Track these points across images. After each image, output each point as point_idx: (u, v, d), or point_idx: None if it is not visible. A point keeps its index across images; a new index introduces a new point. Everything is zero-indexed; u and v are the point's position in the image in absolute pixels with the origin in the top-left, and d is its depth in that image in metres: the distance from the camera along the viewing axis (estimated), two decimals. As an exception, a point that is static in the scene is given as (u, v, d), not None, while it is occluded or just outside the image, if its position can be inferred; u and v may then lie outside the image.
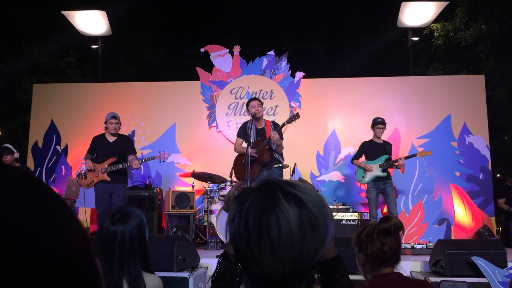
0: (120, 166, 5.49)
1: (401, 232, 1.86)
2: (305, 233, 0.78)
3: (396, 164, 6.03)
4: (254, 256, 0.79)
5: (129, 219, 1.88)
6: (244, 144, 5.41)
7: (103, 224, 1.90)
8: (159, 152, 5.75)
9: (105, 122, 5.69)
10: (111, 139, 5.69)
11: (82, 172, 5.64)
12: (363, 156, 6.24)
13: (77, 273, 0.43)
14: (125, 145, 5.69)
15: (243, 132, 5.53)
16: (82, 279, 0.43)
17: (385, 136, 6.96)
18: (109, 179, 5.48)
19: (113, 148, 5.60)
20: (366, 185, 6.11)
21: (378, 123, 6.18)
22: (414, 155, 6.16)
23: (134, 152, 5.79)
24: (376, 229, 1.84)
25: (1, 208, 0.40)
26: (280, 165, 5.45)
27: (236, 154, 5.69)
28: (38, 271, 0.39)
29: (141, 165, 7.53)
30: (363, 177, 6.06)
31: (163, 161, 5.91)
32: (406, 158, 6.13)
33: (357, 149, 6.33)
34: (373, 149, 6.14)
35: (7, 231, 0.39)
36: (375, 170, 5.98)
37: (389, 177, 6.03)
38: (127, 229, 1.86)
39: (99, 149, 5.69)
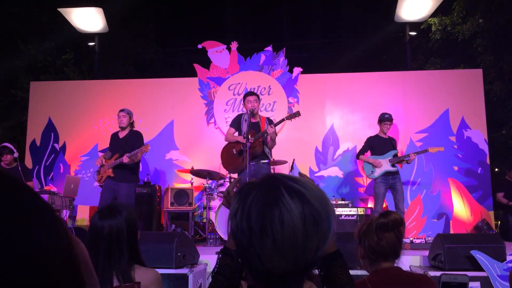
0: (118, 161, 5.40)
1: (402, 227, 1.85)
2: (308, 229, 0.78)
3: (407, 159, 5.97)
4: (256, 251, 0.78)
5: (117, 214, 1.89)
6: (236, 134, 5.44)
7: (92, 219, 1.93)
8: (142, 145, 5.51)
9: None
10: (121, 134, 5.67)
11: (97, 169, 5.69)
12: (369, 151, 6.16)
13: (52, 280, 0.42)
14: (134, 140, 5.55)
15: (236, 123, 5.51)
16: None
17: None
18: (112, 175, 5.42)
19: (121, 144, 5.56)
20: (374, 180, 6.04)
21: (385, 119, 6.09)
22: (425, 151, 6.07)
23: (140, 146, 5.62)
24: (374, 223, 1.84)
25: None
26: (267, 161, 5.42)
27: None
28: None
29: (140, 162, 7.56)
30: (372, 172, 5.97)
31: (144, 154, 5.66)
32: (417, 153, 6.04)
33: (363, 144, 6.24)
34: (379, 144, 6.06)
35: None
36: (385, 165, 5.92)
37: (398, 172, 5.98)
38: (114, 223, 1.86)
39: (111, 145, 5.70)
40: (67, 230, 0.46)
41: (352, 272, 1.15)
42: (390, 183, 5.90)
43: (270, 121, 5.52)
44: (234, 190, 1.10)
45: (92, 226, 1.90)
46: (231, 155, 5.42)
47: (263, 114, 7.49)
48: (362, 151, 6.15)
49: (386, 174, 5.91)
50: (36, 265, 0.41)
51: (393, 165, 5.92)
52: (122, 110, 5.65)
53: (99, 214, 1.91)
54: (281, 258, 0.77)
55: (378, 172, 5.92)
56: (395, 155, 5.99)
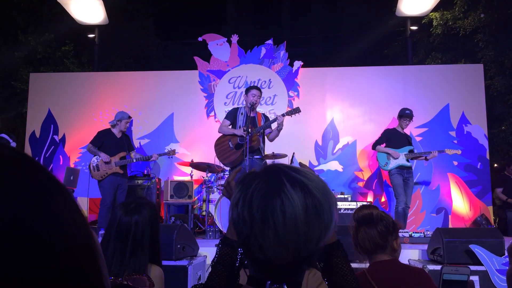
0: (134, 160, 5.97)
1: (385, 222, 1.84)
2: (310, 219, 0.77)
3: (426, 156, 6.00)
4: (257, 241, 0.78)
5: (142, 209, 1.90)
6: (230, 127, 5.44)
7: (116, 214, 1.91)
8: (168, 150, 6.34)
9: (119, 120, 6.01)
10: (118, 135, 6.03)
11: (94, 164, 5.80)
12: (384, 144, 6.17)
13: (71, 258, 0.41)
14: (128, 141, 6.17)
15: (232, 116, 5.51)
16: (78, 264, 0.42)
17: (384, 125, 6.98)
18: (122, 171, 5.87)
19: (122, 144, 5.98)
20: (388, 172, 6.06)
21: (406, 115, 6.09)
22: (442, 151, 6.10)
23: (134, 148, 6.31)
24: (354, 215, 1.88)
25: None
26: (260, 156, 5.42)
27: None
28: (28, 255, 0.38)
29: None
30: (386, 163, 6.02)
31: (171, 157, 6.47)
32: (439, 152, 6.05)
33: (379, 135, 6.26)
34: (396, 138, 6.10)
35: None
36: (401, 158, 5.96)
37: (411, 168, 6.05)
38: (140, 219, 1.87)
39: (107, 143, 5.94)
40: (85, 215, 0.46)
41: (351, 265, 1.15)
42: (405, 177, 5.96)
43: (266, 118, 5.53)
44: (234, 180, 1.10)
45: (117, 221, 1.87)
46: (226, 148, 5.42)
47: (263, 107, 7.51)
48: (379, 142, 6.19)
49: (401, 167, 5.95)
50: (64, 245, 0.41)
51: (408, 160, 5.97)
52: (130, 117, 6.19)
53: (125, 209, 1.89)
54: (283, 248, 0.77)
55: (392, 164, 5.96)
56: (411, 151, 6.02)
